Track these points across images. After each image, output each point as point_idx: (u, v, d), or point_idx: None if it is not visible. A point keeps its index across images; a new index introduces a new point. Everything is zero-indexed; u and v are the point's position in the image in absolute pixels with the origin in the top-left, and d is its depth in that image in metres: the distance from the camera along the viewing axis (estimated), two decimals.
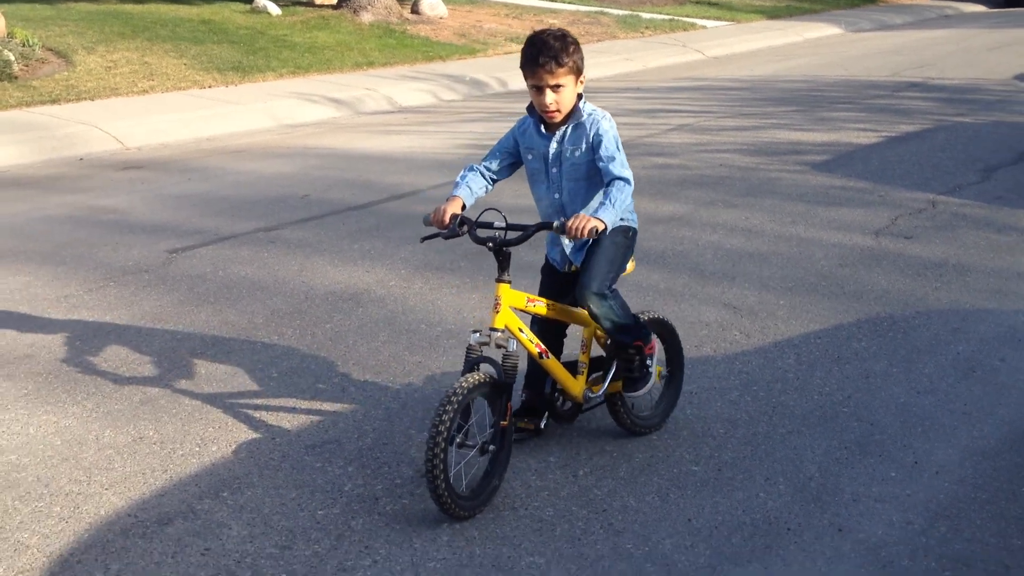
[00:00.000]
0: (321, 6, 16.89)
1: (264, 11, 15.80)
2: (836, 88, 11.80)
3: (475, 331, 3.19)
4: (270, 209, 6.71)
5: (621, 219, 3.36)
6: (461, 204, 3.30)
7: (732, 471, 3.35)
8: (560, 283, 3.49)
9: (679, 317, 4.48)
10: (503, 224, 3.21)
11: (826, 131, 8.91)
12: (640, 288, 4.94)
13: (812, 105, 10.45)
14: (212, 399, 3.88)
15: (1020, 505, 3.13)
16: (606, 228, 3.13)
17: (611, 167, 3.28)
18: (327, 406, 3.84)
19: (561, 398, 3.49)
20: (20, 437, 3.60)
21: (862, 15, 22.73)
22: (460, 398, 2.95)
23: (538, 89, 3.26)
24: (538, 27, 16.87)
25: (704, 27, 19.85)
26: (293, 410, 3.80)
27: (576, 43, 3.29)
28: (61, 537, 2.99)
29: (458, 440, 3.04)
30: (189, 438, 3.58)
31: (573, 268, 3.45)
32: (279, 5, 16.33)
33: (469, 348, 3.16)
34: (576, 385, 3.42)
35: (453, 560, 2.86)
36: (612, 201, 3.19)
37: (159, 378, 4.09)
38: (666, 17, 20.29)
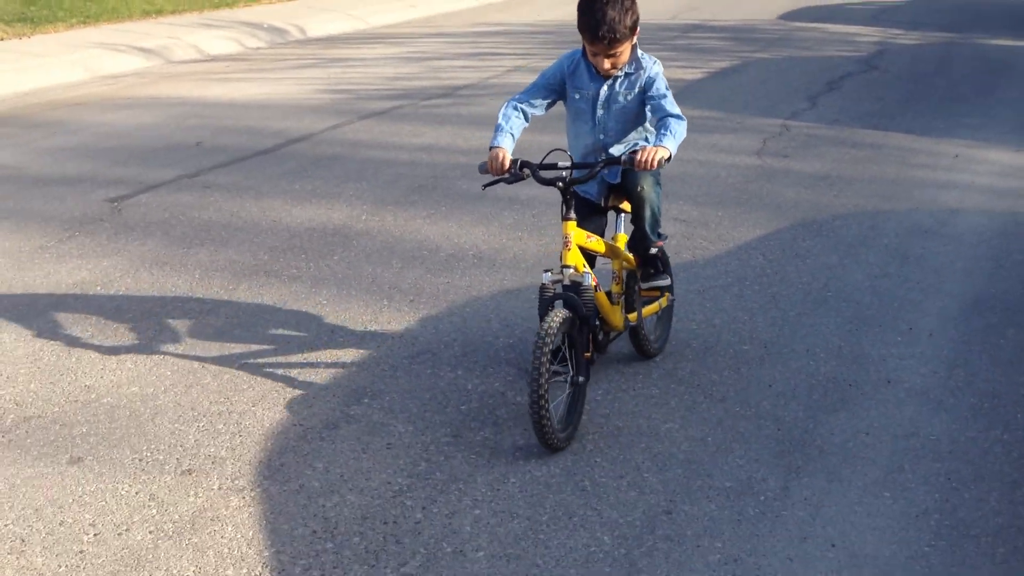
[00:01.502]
0: None
1: None
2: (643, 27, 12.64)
3: (546, 270, 3.31)
4: (173, 157, 6.66)
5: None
6: (506, 150, 3.33)
7: (776, 347, 3.95)
8: (591, 218, 3.53)
9: None
10: (567, 164, 3.32)
11: (672, 64, 9.68)
12: None
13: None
14: (286, 325, 4.07)
15: (1010, 351, 3.93)
16: (670, 156, 3.27)
17: (665, 104, 3.40)
18: (395, 324, 4.11)
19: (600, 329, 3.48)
20: (131, 371, 3.66)
21: None
22: (553, 338, 3.04)
23: (595, 55, 3.35)
24: None
25: None
26: (367, 330, 4.05)
27: (635, 3, 3.33)
28: (246, 448, 3.17)
29: (549, 380, 3.05)
30: (297, 361, 3.77)
31: (608, 204, 3.61)
32: None
33: (543, 287, 3.26)
34: (616, 313, 3.53)
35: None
36: (673, 133, 3.31)
37: (216, 312, 4.19)
38: None
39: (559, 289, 3.27)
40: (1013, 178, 6.15)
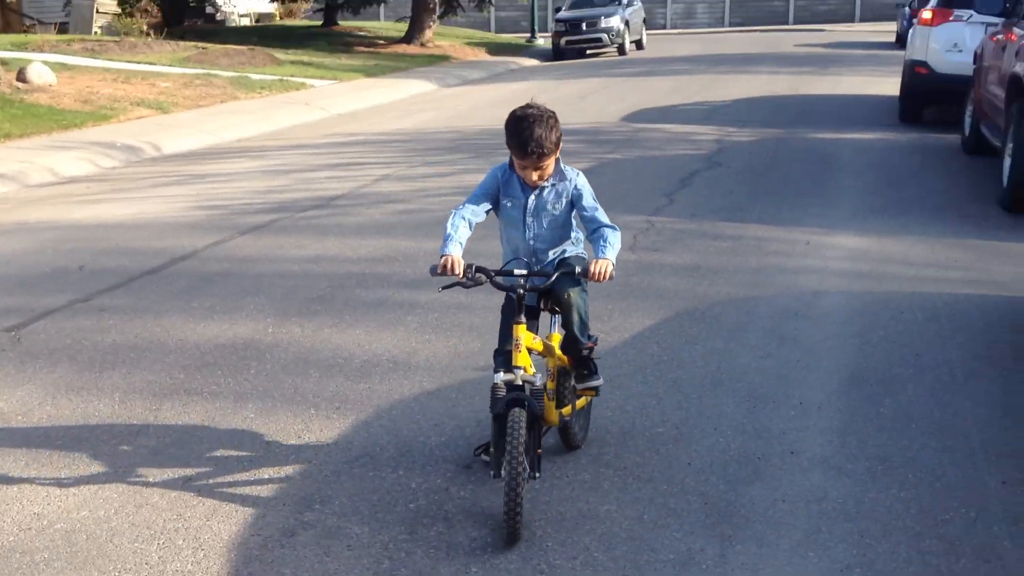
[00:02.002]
0: None
1: None
2: (485, 136, 13.16)
3: (497, 371, 3.49)
4: (58, 283, 6.63)
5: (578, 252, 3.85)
6: (456, 256, 3.54)
7: (687, 427, 4.27)
8: (529, 321, 3.68)
9: None
10: (523, 272, 3.58)
11: None
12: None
13: (481, 152, 11.71)
14: (220, 441, 4.15)
15: (890, 418, 4.37)
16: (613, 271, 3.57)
17: (598, 216, 3.72)
18: (327, 432, 4.26)
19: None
20: (76, 496, 3.69)
21: (445, 71, 24.73)
22: (522, 439, 3.25)
23: (523, 168, 3.63)
24: (147, 91, 16.88)
25: (313, 86, 20.72)
26: (301, 440, 4.18)
27: (557, 122, 3.63)
28: (211, 561, 3.25)
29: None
30: (241, 475, 3.87)
31: (546, 305, 3.81)
32: None
33: (495, 387, 3.42)
34: (551, 410, 3.73)
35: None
36: (612, 244, 3.64)
37: (146, 434, 4.24)
38: (275, 77, 20.90)
39: (511, 389, 3.41)
40: (862, 261, 6.76)
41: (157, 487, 3.78)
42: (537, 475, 3.47)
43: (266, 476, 3.88)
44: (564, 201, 3.73)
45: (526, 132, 3.56)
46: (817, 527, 3.48)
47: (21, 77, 16.47)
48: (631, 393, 4.63)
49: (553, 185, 3.72)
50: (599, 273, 3.53)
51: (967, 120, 10.62)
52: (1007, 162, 8.22)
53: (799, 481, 3.82)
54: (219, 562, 3.27)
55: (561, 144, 3.65)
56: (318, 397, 4.63)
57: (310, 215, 8.62)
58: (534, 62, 28.66)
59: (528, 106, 3.66)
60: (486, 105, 17.34)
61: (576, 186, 3.73)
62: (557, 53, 28.89)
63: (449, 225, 3.66)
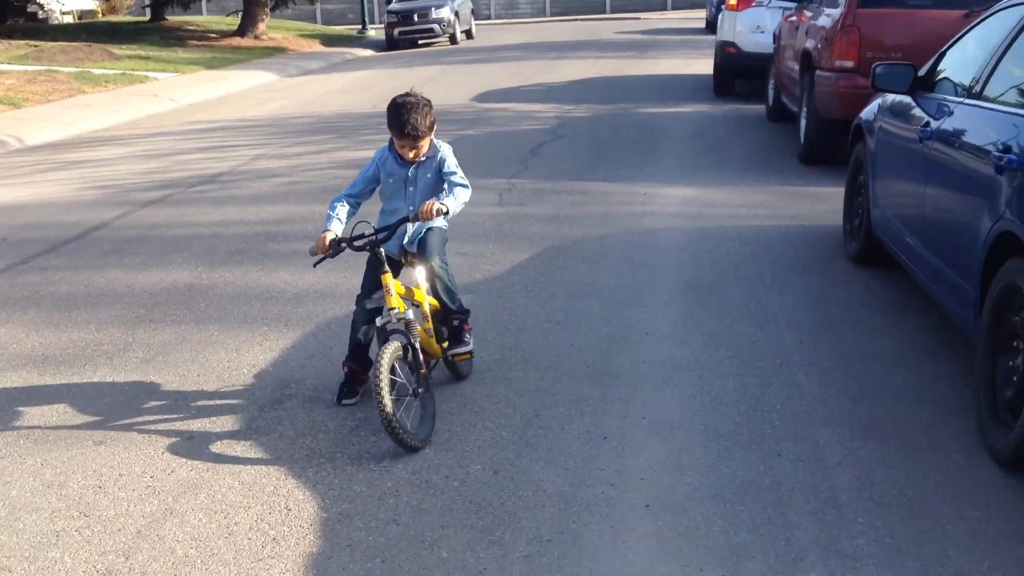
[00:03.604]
0: None
1: None
2: (343, 119, 14.11)
3: (376, 319, 4.12)
4: None
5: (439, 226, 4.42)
6: (335, 233, 4.16)
7: (567, 324, 5.49)
8: (396, 272, 4.32)
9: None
10: (372, 232, 4.16)
11: (364, 149, 11.20)
12: None
13: (343, 132, 12.67)
14: (202, 349, 5.11)
15: (716, 311, 5.70)
16: (448, 212, 4.16)
17: (454, 178, 4.32)
18: (284, 340, 5.27)
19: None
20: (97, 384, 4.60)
21: (284, 63, 25.29)
22: (384, 369, 3.79)
23: (402, 147, 4.21)
24: None
25: (157, 79, 21.05)
26: (264, 347, 5.18)
27: (432, 108, 4.22)
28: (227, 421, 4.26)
29: (394, 396, 3.82)
30: (220, 374, 4.86)
31: (407, 259, 4.41)
32: None
33: (378, 329, 4.08)
34: (432, 344, 4.40)
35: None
36: (455, 195, 4.24)
37: (132, 348, 5.16)
38: (117, 72, 21.13)
39: (390, 327, 4.04)
40: (690, 205, 8.14)
41: (157, 384, 4.73)
42: (421, 390, 4.08)
43: (246, 369, 4.88)
44: (434, 169, 4.35)
45: (404, 116, 4.13)
46: (669, 376, 4.74)
47: None
48: (518, 303, 5.82)
49: (428, 159, 4.33)
50: (425, 211, 4.09)
51: (770, 92, 12.26)
52: (803, 123, 9.81)
53: (653, 350, 5.08)
54: (231, 421, 4.28)
55: (434, 127, 4.26)
56: (266, 318, 5.63)
57: (200, 189, 9.45)
58: (369, 52, 29.47)
59: (407, 94, 4.21)
60: (334, 92, 18.21)
61: (442, 155, 4.34)
62: (391, 43, 29.81)
63: (329, 208, 4.32)
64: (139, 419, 4.40)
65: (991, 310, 3.98)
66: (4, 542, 3.47)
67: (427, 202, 4.15)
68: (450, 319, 4.55)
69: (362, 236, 4.17)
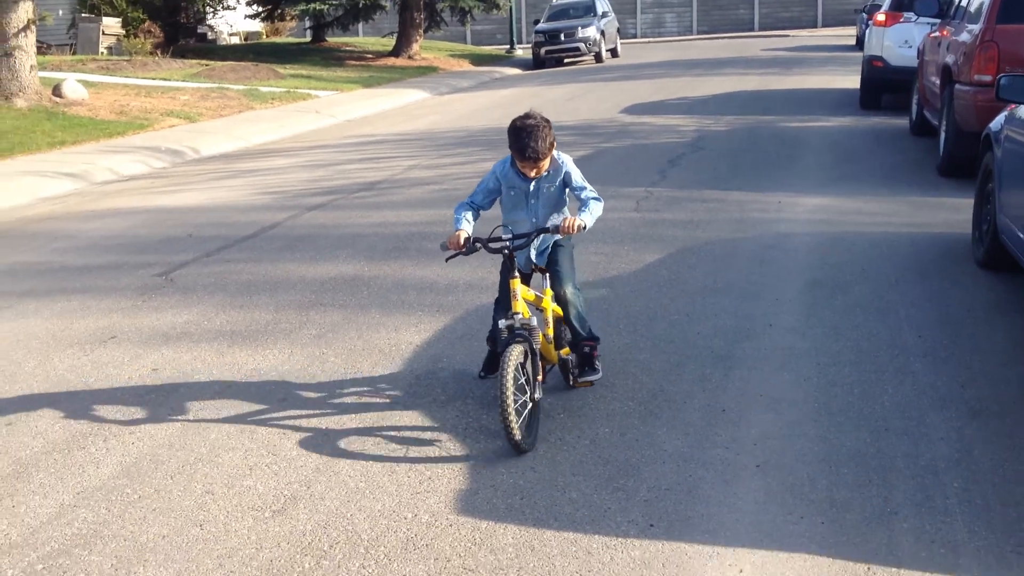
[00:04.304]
0: None
1: None
2: (491, 133, 14.80)
3: (500, 320, 4.25)
4: (177, 246, 8.20)
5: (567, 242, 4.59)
6: (467, 232, 4.34)
7: (696, 315, 5.92)
8: (524, 282, 4.44)
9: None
10: (509, 237, 4.37)
11: None
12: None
13: (491, 145, 13.34)
14: (364, 330, 5.75)
15: (840, 307, 6.02)
16: (586, 227, 4.32)
17: (585, 192, 4.46)
18: (435, 323, 5.87)
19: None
20: (296, 350, 5.30)
21: (436, 81, 26.35)
22: (516, 365, 3.96)
23: (524, 166, 4.35)
24: (169, 103, 18.49)
25: (318, 96, 22.29)
26: (419, 329, 5.79)
27: (551, 128, 4.32)
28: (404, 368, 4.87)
29: (518, 399, 3.97)
30: (382, 347, 5.49)
31: (534, 268, 4.59)
32: None
33: (498, 331, 4.26)
34: (551, 350, 4.54)
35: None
36: (591, 210, 4.38)
37: (309, 324, 5.85)
38: (282, 89, 22.48)
39: (512, 331, 4.16)
40: (823, 213, 8.43)
41: (328, 356, 5.39)
42: (537, 396, 4.18)
43: (404, 346, 5.49)
44: (558, 181, 4.49)
45: (525, 140, 4.26)
46: (787, 361, 5.12)
47: (57, 93, 17.96)
48: (650, 296, 6.28)
49: (552, 172, 4.48)
50: (567, 227, 4.28)
51: (914, 106, 12.36)
52: (942, 136, 9.95)
53: (775, 340, 5.46)
54: (392, 387, 4.88)
55: (555, 145, 4.38)
56: (421, 305, 6.25)
57: (360, 196, 10.23)
58: (516, 71, 30.33)
59: (527, 116, 4.31)
60: (483, 108, 18.99)
61: (567, 170, 4.47)
62: (538, 62, 30.62)
63: (455, 211, 4.52)
64: (314, 383, 5.05)
65: None
66: (207, 472, 4.14)
67: (569, 218, 4.30)
68: (581, 345, 4.64)
69: (499, 239, 4.34)
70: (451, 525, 3.62)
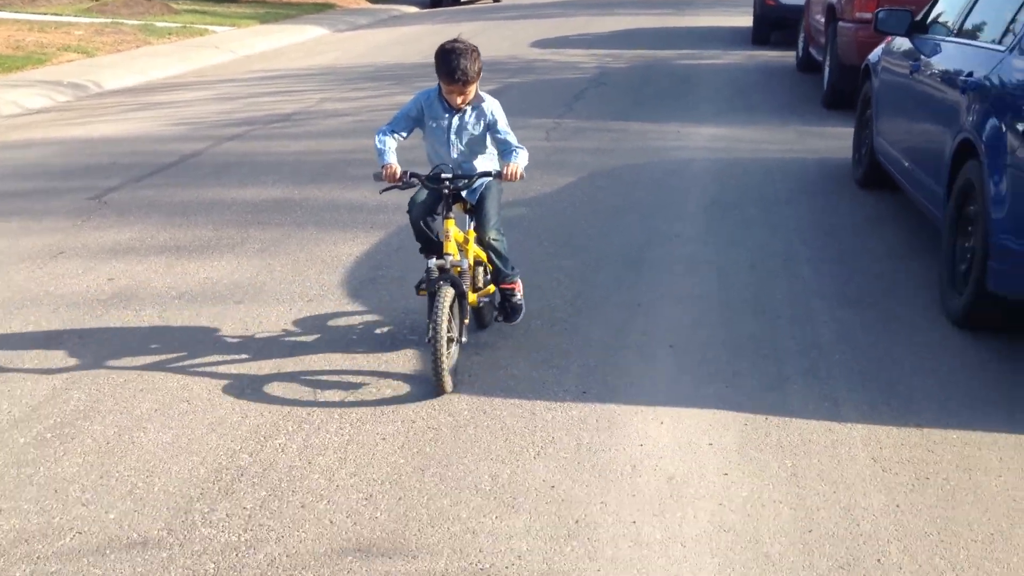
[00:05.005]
0: None
1: None
2: (398, 68, 15.09)
3: (431, 260, 4.19)
4: (102, 173, 8.40)
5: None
6: (395, 163, 4.28)
7: (609, 227, 6.50)
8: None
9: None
10: (449, 175, 4.27)
11: None
12: None
13: (400, 80, 13.66)
14: (307, 243, 6.18)
15: (733, 221, 6.67)
16: (523, 176, 4.29)
17: (509, 139, 4.37)
18: (371, 235, 6.32)
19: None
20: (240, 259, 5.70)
21: (334, 18, 26.24)
22: (446, 313, 3.99)
23: (450, 92, 4.23)
24: (65, 38, 18.26)
25: (215, 32, 22.09)
26: (360, 239, 6.24)
27: (479, 55, 4.24)
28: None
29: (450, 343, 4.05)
30: (332, 254, 5.93)
31: (465, 208, 4.49)
32: None
33: (428, 271, 4.16)
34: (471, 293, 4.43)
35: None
36: (520, 157, 4.32)
37: (250, 241, 6.24)
38: (178, 25, 22.21)
39: (443, 271, 4.17)
40: (719, 141, 9.09)
41: (274, 267, 5.81)
42: (464, 340, 4.28)
43: (344, 257, 5.93)
44: (482, 124, 4.37)
45: (454, 62, 4.16)
46: (692, 266, 5.74)
47: None
48: (566, 215, 6.83)
49: (473, 108, 4.34)
50: (511, 173, 4.25)
51: (800, 43, 13.12)
52: (826, 71, 10.70)
53: (681, 249, 6.07)
54: (339, 290, 5.34)
55: (481, 73, 4.28)
56: (354, 222, 6.68)
57: (277, 126, 10.50)
58: (414, 9, 30.30)
59: (455, 40, 4.25)
60: (386, 45, 19.19)
61: (491, 113, 4.35)
62: (435, 1, 30.71)
63: (378, 141, 4.36)
64: (266, 288, 5.47)
65: (954, 203, 4.95)
66: (185, 360, 4.56)
67: (512, 164, 4.28)
68: (503, 289, 4.63)
69: (438, 178, 4.27)
70: (411, 395, 4.14)
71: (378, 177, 4.30)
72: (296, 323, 4.99)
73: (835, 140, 8.83)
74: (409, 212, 4.49)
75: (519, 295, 4.70)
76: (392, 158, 4.34)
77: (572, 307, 5.14)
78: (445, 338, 3.98)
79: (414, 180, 4.28)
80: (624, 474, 3.53)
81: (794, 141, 9.01)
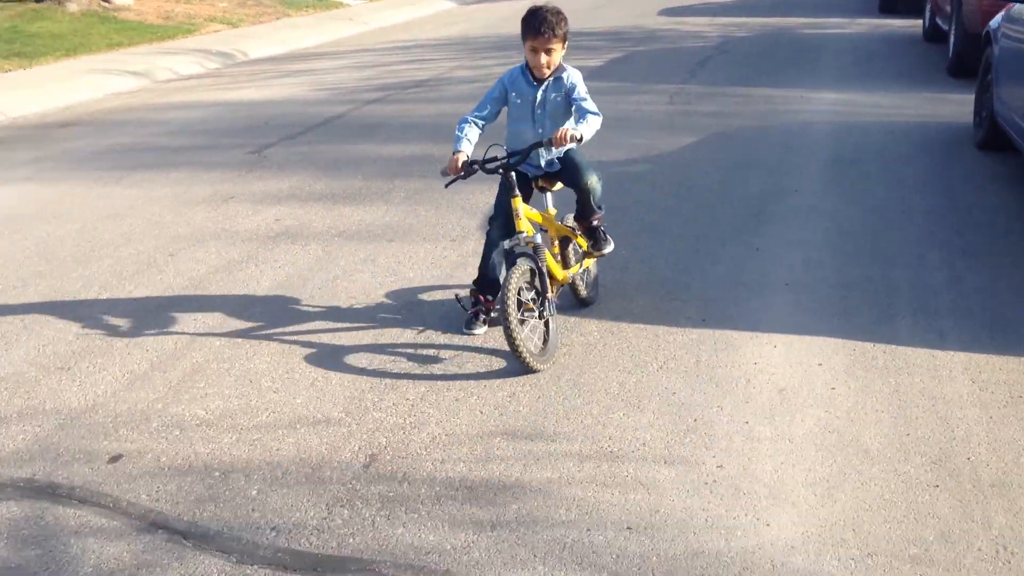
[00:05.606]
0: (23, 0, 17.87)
1: None
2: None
3: (504, 241, 4.23)
4: (259, 132, 9.12)
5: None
6: (465, 154, 4.21)
7: (728, 185, 6.85)
8: (524, 195, 4.32)
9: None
10: (504, 155, 4.21)
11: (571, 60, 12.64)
12: None
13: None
14: (447, 195, 6.73)
15: (854, 178, 6.95)
16: (581, 139, 4.11)
17: (585, 105, 4.24)
18: None
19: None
20: (385, 206, 6.29)
21: None
22: (517, 285, 3.95)
23: (534, 51, 4.18)
24: (210, 9, 19.22)
25: (350, 5, 22.93)
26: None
27: (566, 18, 4.23)
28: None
29: (521, 317, 3.97)
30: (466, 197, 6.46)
31: (540, 184, 4.47)
32: None
33: (505, 251, 4.22)
34: (558, 269, 4.40)
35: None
36: (588, 122, 4.16)
37: (399, 191, 6.82)
38: None
39: (518, 250, 4.16)
40: (841, 105, 9.30)
41: (420, 212, 6.36)
42: (547, 315, 4.16)
43: (483, 204, 6.43)
44: (563, 92, 4.31)
45: (539, 16, 4.19)
46: (810, 216, 6.06)
47: None
48: (690, 172, 7.20)
49: (556, 79, 4.30)
50: (560, 137, 4.09)
51: (927, 13, 13.10)
52: (951, 39, 10.75)
53: (800, 201, 6.40)
54: (477, 232, 5.86)
55: (568, 39, 4.30)
56: (492, 178, 7.16)
57: (413, 91, 11.10)
58: None
59: (541, 5, 4.28)
60: (509, 16, 19.56)
61: (571, 80, 4.30)
62: None
63: (457, 129, 4.36)
64: (413, 229, 6.03)
65: None
66: (346, 286, 5.14)
67: (561, 128, 4.15)
68: (590, 220, 4.53)
69: (494, 159, 4.21)
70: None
71: (444, 172, 4.27)
72: (443, 256, 5.52)
73: (958, 106, 8.95)
74: (489, 224, 4.51)
75: (605, 232, 4.64)
76: (464, 147, 4.28)
77: (693, 248, 5.54)
78: (515, 320, 3.90)
79: (474, 167, 4.20)
80: (739, 385, 3.94)
81: (917, 106, 9.16)
